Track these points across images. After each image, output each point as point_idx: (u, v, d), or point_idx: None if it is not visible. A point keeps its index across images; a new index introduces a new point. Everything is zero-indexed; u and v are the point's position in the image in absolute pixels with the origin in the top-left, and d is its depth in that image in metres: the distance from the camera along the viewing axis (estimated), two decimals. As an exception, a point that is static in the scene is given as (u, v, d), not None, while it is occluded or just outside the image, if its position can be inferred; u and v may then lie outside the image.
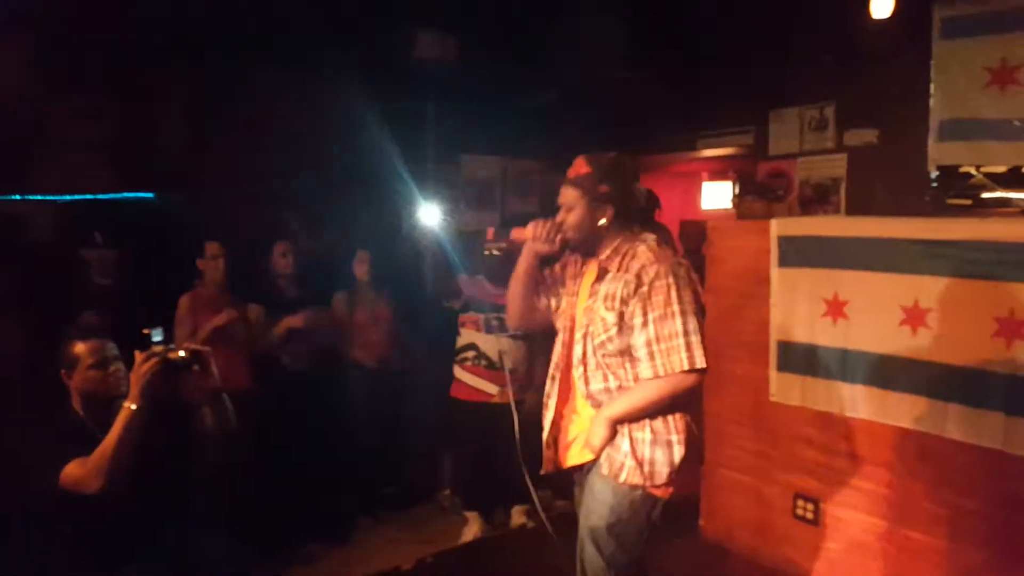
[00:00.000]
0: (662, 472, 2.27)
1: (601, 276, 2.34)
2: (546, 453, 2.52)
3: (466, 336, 4.10)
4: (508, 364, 4.01)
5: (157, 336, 2.43)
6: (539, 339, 4.08)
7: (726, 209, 5.64)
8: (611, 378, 2.31)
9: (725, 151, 5.66)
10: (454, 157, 5.44)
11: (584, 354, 2.34)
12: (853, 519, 3.17)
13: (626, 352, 2.28)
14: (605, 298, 2.29)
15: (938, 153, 4.26)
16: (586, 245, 2.39)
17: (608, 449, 2.30)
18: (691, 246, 4.56)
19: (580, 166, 2.37)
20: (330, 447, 4.03)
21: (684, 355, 2.19)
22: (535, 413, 4.09)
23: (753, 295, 3.53)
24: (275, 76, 4.35)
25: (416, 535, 4.23)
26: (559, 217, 2.37)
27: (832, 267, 3.24)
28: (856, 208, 4.66)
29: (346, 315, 4.31)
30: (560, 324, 2.49)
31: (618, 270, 2.30)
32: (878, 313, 3.06)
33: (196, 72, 4.23)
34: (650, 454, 2.27)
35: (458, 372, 4.11)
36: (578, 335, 2.37)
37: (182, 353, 2.41)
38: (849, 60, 4.66)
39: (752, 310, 3.53)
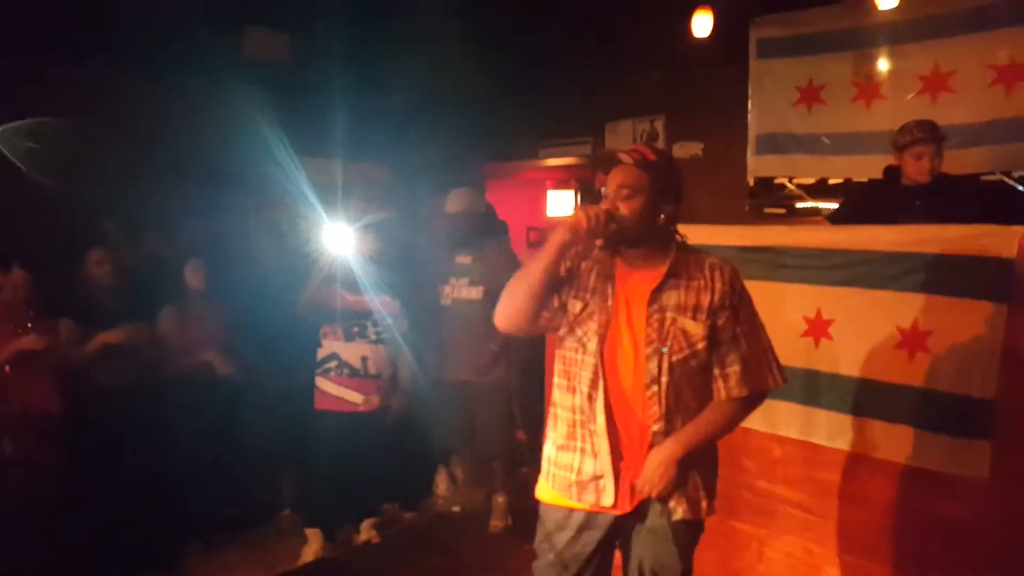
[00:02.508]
0: (714, 493, 2.14)
1: (663, 282, 2.03)
2: (600, 486, 2.08)
3: (327, 346, 3.98)
4: (372, 370, 3.97)
5: None
6: (396, 343, 4.08)
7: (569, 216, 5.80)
8: (691, 399, 2.05)
9: (566, 160, 5.81)
10: (296, 160, 5.25)
11: (659, 372, 2.01)
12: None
13: (707, 369, 2.05)
14: (683, 308, 2.01)
15: (755, 165, 4.58)
16: (637, 240, 2.05)
17: (678, 487, 2.05)
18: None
19: (646, 152, 2.06)
20: (155, 470, 3.74)
21: (776, 371, 2.08)
22: (403, 418, 4.14)
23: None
24: (95, 69, 3.99)
25: (255, 559, 4.04)
26: (609, 204, 2.03)
27: (661, 272, 3.37)
28: (683, 216, 4.88)
29: (176, 328, 4.04)
30: (583, 331, 2.10)
31: (690, 277, 2.04)
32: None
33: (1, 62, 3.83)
34: (708, 478, 2.13)
35: (321, 383, 3.98)
36: (648, 350, 2.02)
37: None
38: (677, 76, 4.92)
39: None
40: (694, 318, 2.01)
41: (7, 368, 3.25)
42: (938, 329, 2.53)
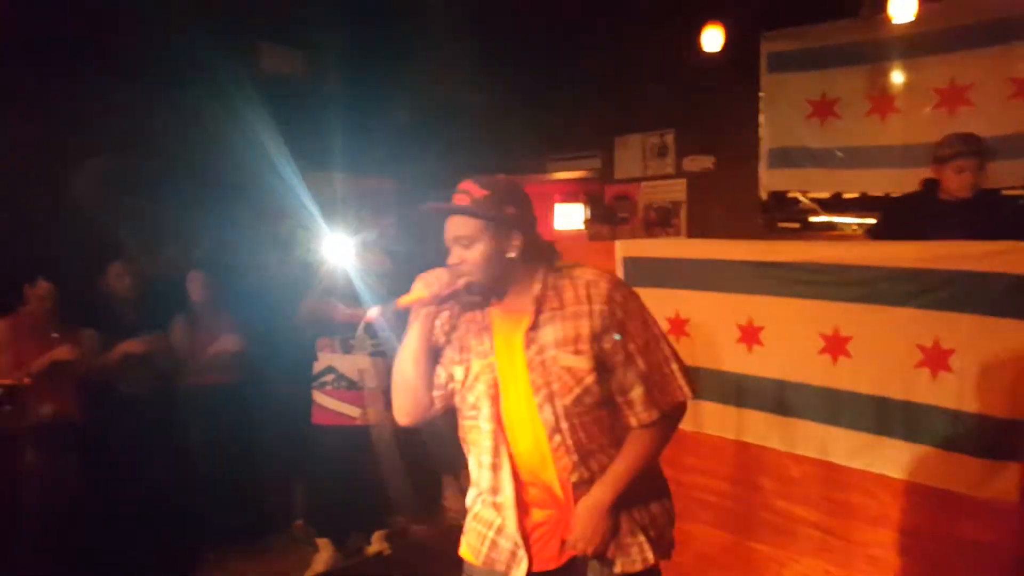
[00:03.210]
0: (668, 532, 1.94)
1: (536, 320, 1.82)
2: (514, 558, 1.89)
3: (324, 360, 3.98)
4: (370, 383, 3.94)
5: None
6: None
7: (578, 230, 5.78)
8: (601, 437, 1.83)
9: (575, 174, 5.78)
10: (304, 174, 5.24)
11: (556, 419, 1.79)
12: (701, 532, 3.24)
13: (607, 401, 1.82)
14: (562, 343, 1.79)
15: (768, 179, 4.54)
16: (494, 287, 1.85)
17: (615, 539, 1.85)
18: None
19: (473, 190, 1.82)
20: (171, 477, 3.80)
21: (682, 382, 1.85)
22: (399, 430, 4.09)
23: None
24: (111, 87, 4.02)
25: (267, 568, 4.05)
26: (452, 259, 1.83)
27: (673, 287, 3.32)
28: (695, 230, 4.87)
29: (185, 339, 4.10)
30: (474, 396, 1.89)
31: (562, 305, 1.82)
32: (716, 331, 3.17)
33: (17, 77, 3.84)
34: (651, 514, 1.91)
35: (317, 397, 3.98)
36: (539, 398, 1.80)
37: None
38: (687, 90, 4.89)
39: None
40: (576, 351, 1.78)
41: (26, 380, 3.33)
42: (960, 348, 2.48)
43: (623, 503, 1.84)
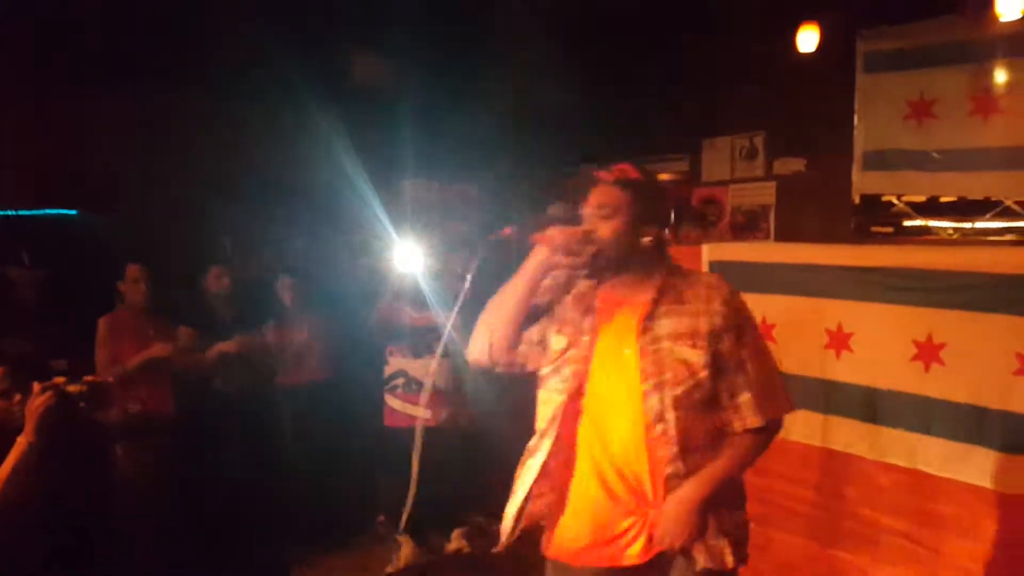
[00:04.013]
0: (746, 542, 1.93)
1: (654, 310, 1.85)
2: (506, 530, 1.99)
3: (395, 364, 4.08)
4: (441, 385, 4.03)
5: (61, 366, 2.32)
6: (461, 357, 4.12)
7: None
8: (701, 435, 1.84)
9: (662, 177, 5.76)
10: (394, 182, 5.41)
11: (663, 408, 1.81)
12: (783, 540, 3.21)
13: (713, 402, 1.84)
14: (680, 336, 1.82)
15: (861, 182, 4.43)
16: (617, 267, 1.88)
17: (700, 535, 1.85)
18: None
19: (628, 171, 1.88)
20: (261, 474, 3.95)
21: (788, 394, 1.91)
22: (470, 430, 4.19)
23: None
24: (210, 97, 4.27)
25: (353, 563, 4.16)
26: (587, 225, 1.86)
27: (761, 291, 3.28)
28: (784, 234, 4.80)
29: (277, 341, 4.27)
30: (570, 370, 1.90)
31: (682, 301, 1.85)
32: (803, 336, 3.13)
33: (126, 91, 4.13)
34: (735, 520, 1.91)
35: (390, 400, 4.09)
36: (647, 386, 1.82)
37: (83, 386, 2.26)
38: (778, 91, 4.82)
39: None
40: (693, 345, 1.81)
41: (109, 379, 3.26)
42: (1060, 356, 2.40)
43: (711, 505, 1.84)
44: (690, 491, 1.82)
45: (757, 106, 5.00)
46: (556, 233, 1.81)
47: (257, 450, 3.96)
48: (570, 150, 5.78)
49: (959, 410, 2.64)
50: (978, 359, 2.61)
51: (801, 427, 3.11)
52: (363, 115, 4.93)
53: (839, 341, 3.02)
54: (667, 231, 1.93)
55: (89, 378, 2.33)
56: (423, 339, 4.03)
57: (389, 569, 4.06)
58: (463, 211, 5.88)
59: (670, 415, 1.80)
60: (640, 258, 1.87)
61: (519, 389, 4.40)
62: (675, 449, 1.81)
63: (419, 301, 4.01)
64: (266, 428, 4.14)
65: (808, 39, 4.35)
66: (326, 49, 4.85)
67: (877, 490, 2.88)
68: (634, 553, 1.88)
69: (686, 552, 1.85)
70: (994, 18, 3.70)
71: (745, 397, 1.83)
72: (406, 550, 4.12)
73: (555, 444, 1.91)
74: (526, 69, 5.49)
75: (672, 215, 1.98)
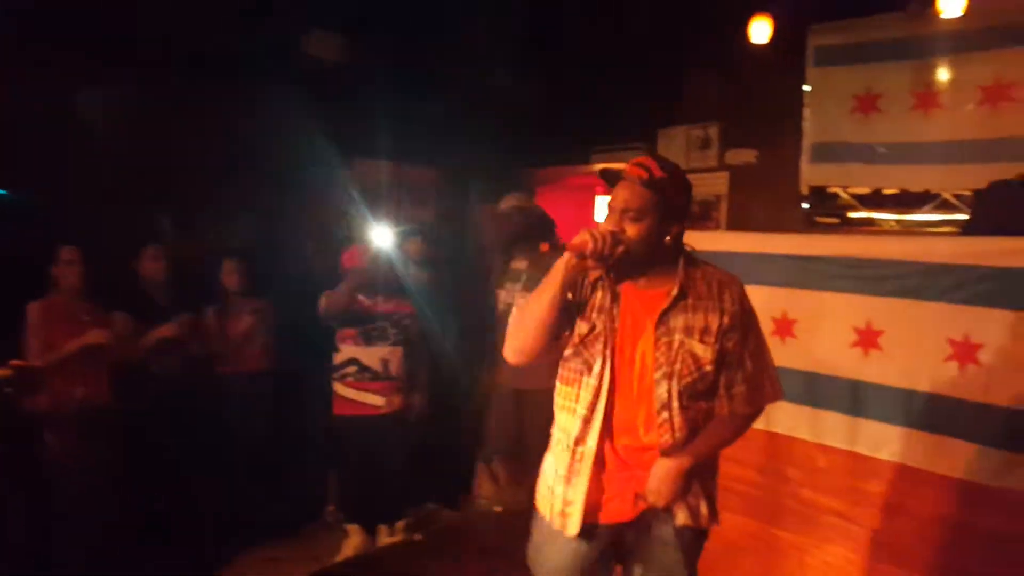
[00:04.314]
0: (716, 504, 2.10)
1: (673, 304, 1.96)
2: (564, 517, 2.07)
3: (346, 351, 4.01)
4: (393, 372, 4.02)
5: None
6: (413, 345, 4.13)
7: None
8: (701, 423, 2.00)
9: (619, 165, 5.79)
10: (346, 161, 5.34)
11: (669, 398, 1.95)
12: (728, 519, 3.30)
13: (714, 390, 2.00)
14: (690, 330, 1.94)
15: (809, 174, 4.53)
16: (642, 263, 1.97)
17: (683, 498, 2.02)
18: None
19: (652, 168, 1.91)
20: (204, 464, 3.84)
21: (776, 385, 2.06)
22: (423, 417, 4.22)
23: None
24: (147, 70, 4.09)
25: (301, 552, 4.11)
26: (615, 225, 1.92)
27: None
28: (736, 224, 4.88)
29: (218, 326, 4.12)
30: (590, 353, 2.02)
31: (698, 297, 1.96)
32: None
33: (56, 60, 3.90)
34: (710, 486, 2.09)
35: (340, 389, 4.02)
36: (658, 374, 1.95)
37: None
38: (732, 83, 4.90)
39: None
40: (702, 341, 1.94)
41: (37, 363, 3.24)
42: (990, 342, 2.51)
43: (695, 471, 2.00)
44: (679, 460, 1.97)
45: (712, 97, 5.06)
46: (587, 239, 1.86)
47: (198, 440, 3.80)
48: (528, 138, 5.80)
49: (893, 394, 2.75)
50: (914, 345, 2.71)
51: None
52: (315, 92, 4.83)
53: (784, 328, 3.11)
54: (685, 224, 2.00)
55: (15, 362, 2.22)
56: (376, 326, 4.01)
57: (338, 558, 4.04)
58: (419, 195, 5.86)
59: (675, 404, 1.95)
60: (663, 253, 1.96)
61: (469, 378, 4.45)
62: (678, 435, 1.96)
63: (371, 287, 3.99)
64: (209, 417, 3.96)
65: (761, 31, 4.41)
66: (276, 24, 4.75)
67: (817, 471, 2.98)
68: (622, 510, 2.04)
69: (668, 510, 2.02)
70: (936, 15, 3.82)
71: (740, 389, 2.00)
72: (355, 539, 4.10)
73: (600, 426, 2.01)
74: (489, 58, 5.49)
75: (690, 206, 2.05)
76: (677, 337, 1.94)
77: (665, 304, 1.95)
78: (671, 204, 1.92)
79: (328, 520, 4.46)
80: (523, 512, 4.40)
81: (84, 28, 3.92)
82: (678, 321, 1.95)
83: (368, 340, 4.01)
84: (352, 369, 4.01)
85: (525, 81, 5.61)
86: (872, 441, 2.79)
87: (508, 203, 4.31)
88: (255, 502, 4.12)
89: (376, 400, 4.01)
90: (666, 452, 1.98)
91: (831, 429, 2.93)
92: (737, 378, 1.99)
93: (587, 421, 2.01)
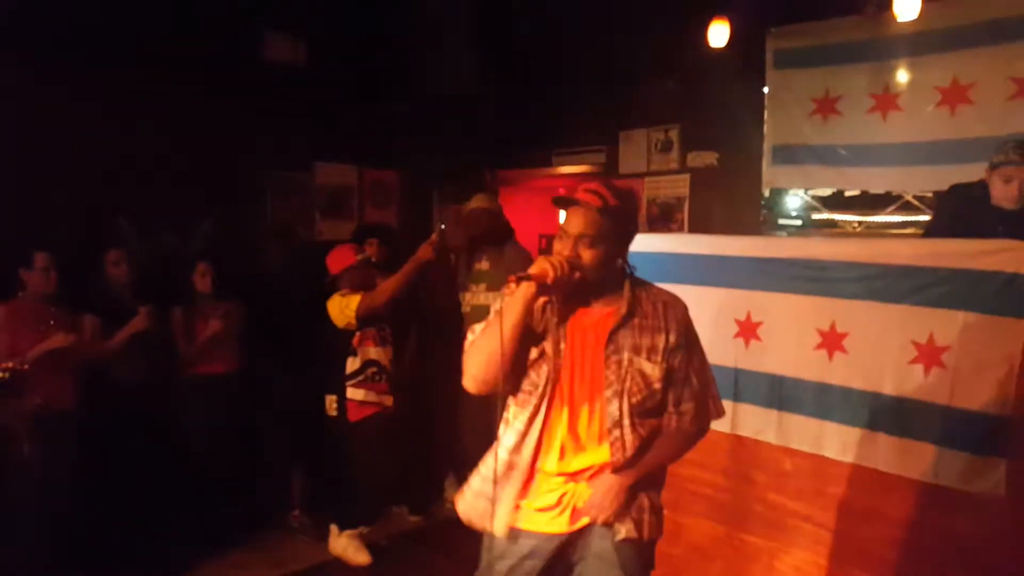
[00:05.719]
0: (662, 515, 2.11)
1: (621, 323, 1.99)
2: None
3: (364, 353, 3.93)
4: (391, 371, 4.02)
5: None
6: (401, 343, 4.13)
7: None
8: (650, 441, 2.03)
9: (580, 168, 5.80)
10: (307, 164, 5.25)
11: (620, 415, 1.98)
12: (694, 524, 3.28)
13: (662, 408, 2.03)
14: (638, 349, 1.98)
15: (770, 176, 4.56)
16: (594, 290, 2.02)
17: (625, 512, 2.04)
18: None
19: (607, 196, 1.94)
20: (168, 467, 3.83)
21: (718, 403, 2.13)
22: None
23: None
24: (110, 71, 4.00)
25: (265, 558, 4.05)
26: (569, 250, 1.95)
27: (675, 282, 3.29)
28: (698, 226, 4.89)
29: (184, 328, 4.09)
30: (537, 374, 2.03)
31: (643, 316, 2.00)
32: (713, 326, 3.18)
33: (17, 59, 3.80)
34: (653, 498, 2.09)
35: (354, 393, 3.91)
36: (608, 393, 1.98)
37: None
38: (692, 86, 4.90)
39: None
40: (650, 359, 1.98)
41: (25, 366, 3.25)
42: (954, 344, 2.51)
43: (639, 486, 2.04)
44: (623, 476, 2.01)
45: (673, 100, 5.07)
46: (547, 268, 1.89)
47: (163, 444, 3.81)
48: (489, 141, 5.76)
49: (858, 397, 2.74)
50: (878, 348, 2.70)
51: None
52: (276, 93, 4.76)
53: (748, 330, 3.09)
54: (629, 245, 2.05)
55: (5, 365, 2.21)
56: (382, 326, 4.00)
57: (305, 564, 3.98)
58: (380, 198, 5.78)
59: (626, 421, 1.98)
60: (612, 276, 2.02)
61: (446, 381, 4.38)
62: (628, 452, 1.99)
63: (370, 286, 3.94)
64: (173, 421, 3.97)
65: (719, 34, 4.42)
66: (244, 22, 4.68)
67: (783, 475, 2.96)
68: (563, 521, 2.06)
69: (608, 525, 2.03)
70: (892, 19, 3.85)
71: (688, 407, 2.03)
72: (322, 545, 4.05)
73: (536, 440, 2.04)
74: (449, 61, 5.44)
75: (637, 229, 2.09)
76: (626, 355, 1.98)
77: (613, 324, 1.99)
78: (623, 231, 2.00)
79: (293, 525, 4.42)
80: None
81: (42, 29, 3.84)
82: (626, 340, 1.99)
83: (383, 341, 3.99)
84: (372, 371, 3.96)
85: (487, 84, 5.57)
86: (838, 445, 2.77)
87: (475, 204, 4.27)
88: (221, 507, 4.08)
89: (386, 399, 3.99)
90: (617, 469, 2.00)
91: (797, 432, 2.91)
92: (685, 395, 2.03)
93: (523, 435, 2.04)
